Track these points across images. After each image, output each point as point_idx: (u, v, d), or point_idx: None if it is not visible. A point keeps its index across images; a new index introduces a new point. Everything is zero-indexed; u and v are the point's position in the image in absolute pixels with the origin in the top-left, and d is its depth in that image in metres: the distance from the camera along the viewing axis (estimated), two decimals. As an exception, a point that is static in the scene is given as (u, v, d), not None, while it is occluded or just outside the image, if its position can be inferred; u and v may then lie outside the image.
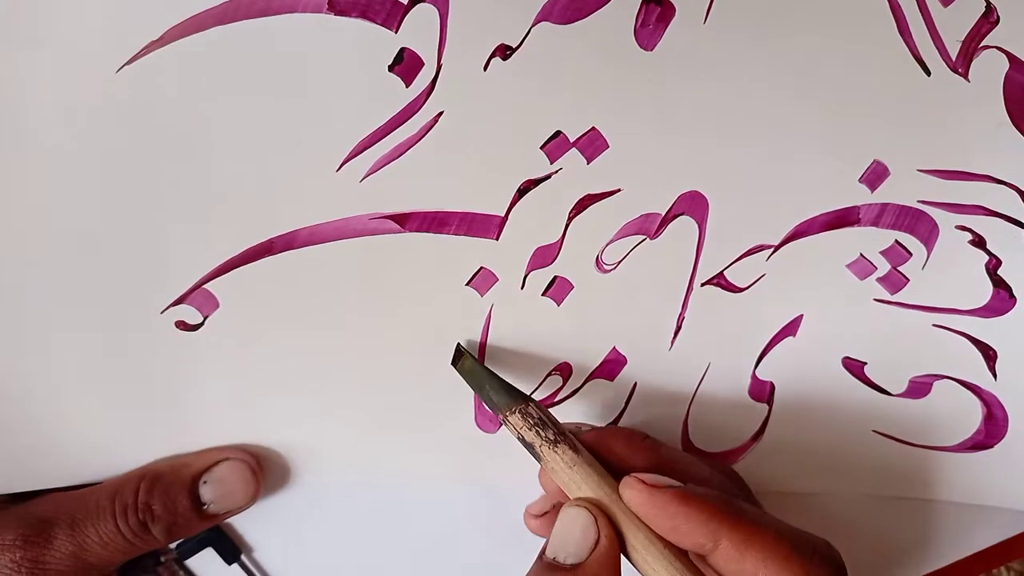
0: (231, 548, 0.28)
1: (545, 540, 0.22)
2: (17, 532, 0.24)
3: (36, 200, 0.22)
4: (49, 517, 0.25)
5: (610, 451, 0.24)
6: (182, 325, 0.24)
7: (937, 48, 0.23)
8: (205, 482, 0.26)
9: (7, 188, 0.22)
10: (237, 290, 0.24)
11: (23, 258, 0.23)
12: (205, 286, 0.24)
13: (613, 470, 0.23)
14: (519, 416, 0.23)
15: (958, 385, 0.28)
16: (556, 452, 0.23)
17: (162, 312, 0.24)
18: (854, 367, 0.27)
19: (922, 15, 0.23)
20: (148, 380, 0.25)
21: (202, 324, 0.24)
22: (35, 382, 0.24)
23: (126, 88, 0.22)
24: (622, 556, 0.22)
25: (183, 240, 0.23)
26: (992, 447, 0.28)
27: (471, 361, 0.25)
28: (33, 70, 0.21)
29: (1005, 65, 0.23)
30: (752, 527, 0.21)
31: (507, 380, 0.24)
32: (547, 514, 0.25)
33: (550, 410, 0.26)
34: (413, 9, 0.22)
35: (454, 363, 0.25)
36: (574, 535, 0.21)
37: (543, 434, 0.23)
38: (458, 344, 0.25)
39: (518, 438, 0.24)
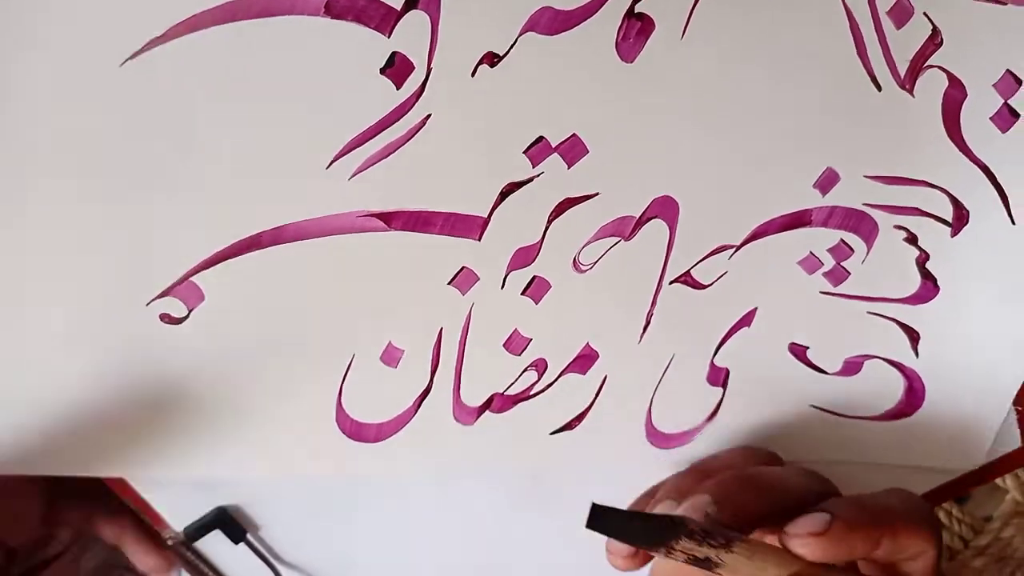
0: (237, 529, 0.29)
1: None
2: None
3: (26, 190, 0.22)
4: None
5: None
6: (167, 318, 0.24)
7: (888, 66, 0.25)
8: None
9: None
10: (223, 283, 0.24)
11: (12, 249, 0.23)
12: (192, 279, 0.24)
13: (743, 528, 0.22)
14: (686, 539, 0.20)
15: (885, 363, 0.31)
16: (734, 552, 0.20)
17: (147, 304, 0.24)
18: (798, 351, 0.30)
19: (877, 35, 0.25)
20: (132, 372, 0.25)
21: (187, 317, 0.24)
22: (20, 372, 0.24)
23: (128, 82, 0.21)
24: None
25: (172, 232, 0.23)
26: (911, 415, 0.32)
27: (612, 518, 0.20)
28: (36, 64, 0.21)
29: (944, 83, 0.26)
30: (891, 518, 0.23)
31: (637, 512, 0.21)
32: None
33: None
34: (406, 16, 0.22)
35: (591, 526, 0.20)
36: None
37: (715, 542, 0.20)
38: (593, 505, 0.20)
39: (688, 559, 0.20)
